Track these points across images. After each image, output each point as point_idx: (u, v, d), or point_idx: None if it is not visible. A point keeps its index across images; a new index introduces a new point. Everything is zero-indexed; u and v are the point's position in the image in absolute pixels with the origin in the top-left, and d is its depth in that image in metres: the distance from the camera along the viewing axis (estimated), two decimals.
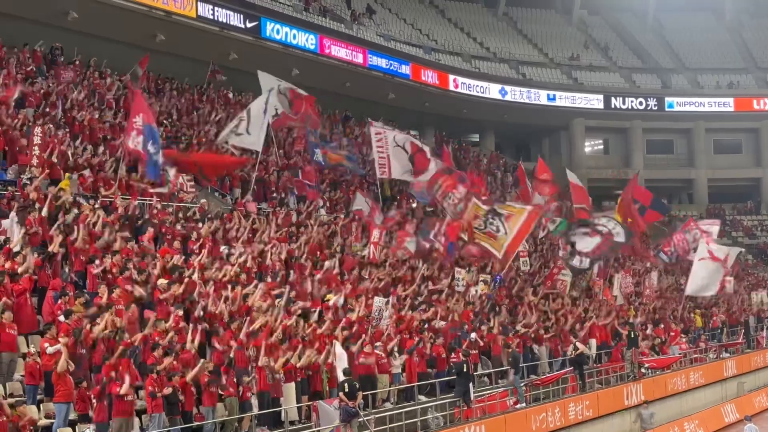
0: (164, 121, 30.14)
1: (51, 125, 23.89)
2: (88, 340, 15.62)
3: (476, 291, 28.20)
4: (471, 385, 21.35)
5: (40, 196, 19.84)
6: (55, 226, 18.76)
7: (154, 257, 19.90)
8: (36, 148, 21.58)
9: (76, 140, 24.78)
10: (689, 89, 63.22)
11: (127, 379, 14.65)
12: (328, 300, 22.10)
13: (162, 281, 18.49)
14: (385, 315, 21.55)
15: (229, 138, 27.96)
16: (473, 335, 24.07)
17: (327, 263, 24.75)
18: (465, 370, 21.35)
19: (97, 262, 18.09)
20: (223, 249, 22.42)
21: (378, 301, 21.81)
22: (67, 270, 17.85)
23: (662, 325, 34.36)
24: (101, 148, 24.80)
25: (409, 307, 24.47)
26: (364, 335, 20.82)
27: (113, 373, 14.68)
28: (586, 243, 30.49)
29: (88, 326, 15.69)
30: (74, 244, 18.50)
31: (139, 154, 22.50)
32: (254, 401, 17.34)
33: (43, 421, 14.71)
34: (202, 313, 18.34)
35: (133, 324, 16.94)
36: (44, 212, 18.99)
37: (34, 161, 21.44)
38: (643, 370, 29.32)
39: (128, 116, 23.84)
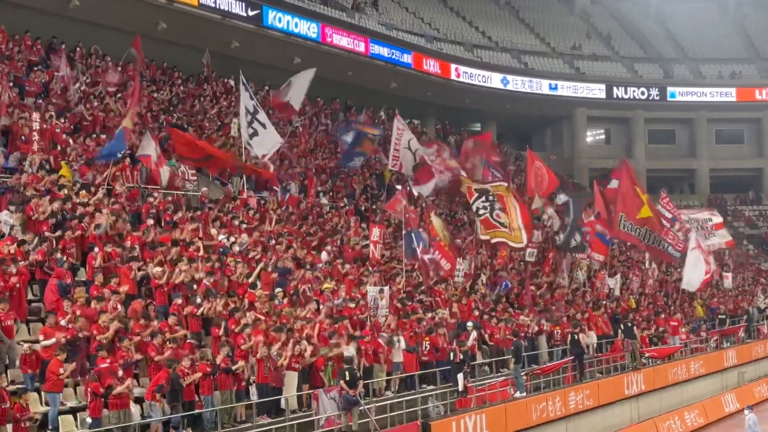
0: (170, 110, 30.06)
1: (52, 112, 23.89)
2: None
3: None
4: (460, 374, 21.31)
5: (38, 183, 19.83)
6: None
7: (161, 245, 19.88)
8: (35, 134, 21.54)
9: (77, 129, 24.74)
10: (691, 79, 63.07)
11: (120, 372, 14.68)
12: (326, 289, 22.06)
13: (157, 269, 18.48)
14: (381, 305, 21.46)
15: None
16: (469, 324, 24.02)
17: (324, 254, 24.75)
18: (452, 358, 21.40)
19: (96, 250, 18.08)
20: (222, 238, 22.37)
21: (372, 290, 21.73)
22: (64, 258, 17.82)
23: (663, 315, 34.34)
24: (103, 137, 24.75)
25: (407, 297, 24.43)
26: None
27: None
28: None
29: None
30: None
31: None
32: (253, 390, 17.35)
33: (44, 408, 14.73)
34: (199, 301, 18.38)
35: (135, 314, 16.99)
36: (45, 201, 18.99)
37: (35, 146, 21.40)
38: (643, 360, 29.34)
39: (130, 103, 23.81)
